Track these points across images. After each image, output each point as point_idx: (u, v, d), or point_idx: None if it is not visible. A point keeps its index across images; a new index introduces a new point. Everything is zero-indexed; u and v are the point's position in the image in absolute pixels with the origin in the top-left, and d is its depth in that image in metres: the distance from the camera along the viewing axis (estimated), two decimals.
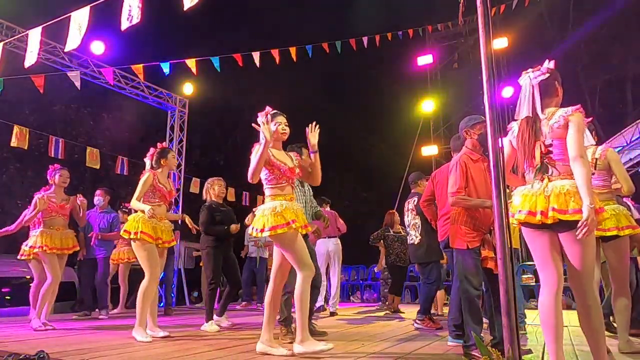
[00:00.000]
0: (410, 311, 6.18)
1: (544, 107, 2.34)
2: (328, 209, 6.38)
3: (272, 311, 3.14)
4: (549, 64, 2.40)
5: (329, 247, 6.31)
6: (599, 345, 2.19)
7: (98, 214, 6.01)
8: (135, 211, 4.00)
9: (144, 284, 3.81)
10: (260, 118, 3.14)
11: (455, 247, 3.15)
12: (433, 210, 3.99)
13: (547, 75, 2.36)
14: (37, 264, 5.21)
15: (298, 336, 2.99)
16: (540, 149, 2.29)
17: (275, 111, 3.22)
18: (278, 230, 2.95)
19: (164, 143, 4.25)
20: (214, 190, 4.94)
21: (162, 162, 4.13)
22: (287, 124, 3.23)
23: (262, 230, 3.00)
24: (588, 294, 2.19)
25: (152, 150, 4.19)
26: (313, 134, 3.25)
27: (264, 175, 3.11)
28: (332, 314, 6.20)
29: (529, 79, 2.39)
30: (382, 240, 6.62)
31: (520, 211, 2.29)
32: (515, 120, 2.47)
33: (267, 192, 3.14)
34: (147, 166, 4.14)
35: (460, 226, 3.14)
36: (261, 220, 3.03)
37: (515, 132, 2.45)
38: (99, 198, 6.05)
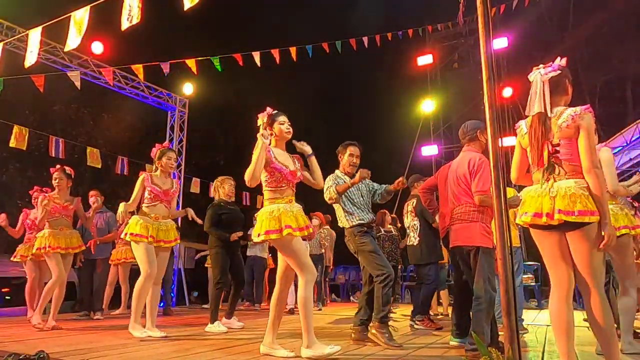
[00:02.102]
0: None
1: (553, 105, 2.31)
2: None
3: (277, 313, 3.09)
4: (560, 61, 2.37)
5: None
6: (610, 345, 2.15)
7: (98, 215, 6.00)
8: (133, 212, 4.10)
9: (139, 282, 3.92)
10: (260, 119, 3.10)
11: (483, 245, 3.05)
12: (431, 199, 3.86)
13: (558, 72, 2.34)
14: (32, 265, 5.26)
15: (305, 341, 2.92)
16: (548, 148, 2.26)
17: (276, 111, 3.15)
18: (271, 236, 2.91)
19: (164, 143, 4.35)
20: (223, 189, 4.89)
21: (156, 163, 4.23)
22: (290, 123, 3.17)
23: (259, 235, 2.97)
24: (596, 293, 2.15)
25: (157, 146, 4.28)
26: (302, 144, 3.20)
27: (264, 177, 3.04)
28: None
29: (540, 75, 2.35)
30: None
31: (526, 213, 2.27)
32: (526, 116, 2.42)
33: (266, 194, 3.08)
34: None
35: (482, 224, 3.08)
36: (259, 225, 3.00)
37: (524, 130, 2.41)
38: (96, 199, 6.04)
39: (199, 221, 4.70)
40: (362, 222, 3.78)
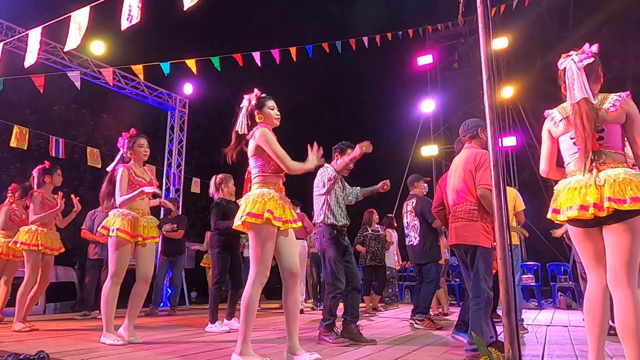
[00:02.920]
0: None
1: (593, 92, 2.21)
2: (298, 210, 6.41)
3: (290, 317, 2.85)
4: (591, 48, 2.30)
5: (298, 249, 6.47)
6: (636, 352, 1.96)
7: (105, 214, 5.99)
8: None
9: (106, 286, 3.56)
10: (246, 100, 2.91)
11: (481, 244, 3.02)
12: (445, 216, 3.75)
13: (592, 59, 2.27)
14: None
15: (238, 347, 2.60)
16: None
17: (265, 95, 2.95)
18: (254, 220, 2.63)
19: (131, 131, 3.87)
20: (227, 187, 4.73)
21: (129, 153, 3.80)
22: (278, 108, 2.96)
23: (240, 218, 2.68)
24: (630, 292, 2.01)
25: (123, 135, 3.84)
26: (317, 156, 2.89)
27: (255, 162, 2.81)
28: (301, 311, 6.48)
29: (573, 62, 2.27)
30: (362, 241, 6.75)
31: (570, 207, 2.12)
32: (555, 105, 2.32)
33: (259, 179, 2.80)
34: (118, 156, 3.85)
35: (482, 223, 3.05)
36: (242, 208, 2.71)
37: (557, 118, 2.31)
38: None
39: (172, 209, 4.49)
40: (337, 224, 3.80)
